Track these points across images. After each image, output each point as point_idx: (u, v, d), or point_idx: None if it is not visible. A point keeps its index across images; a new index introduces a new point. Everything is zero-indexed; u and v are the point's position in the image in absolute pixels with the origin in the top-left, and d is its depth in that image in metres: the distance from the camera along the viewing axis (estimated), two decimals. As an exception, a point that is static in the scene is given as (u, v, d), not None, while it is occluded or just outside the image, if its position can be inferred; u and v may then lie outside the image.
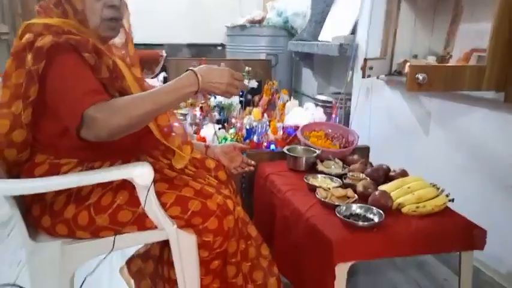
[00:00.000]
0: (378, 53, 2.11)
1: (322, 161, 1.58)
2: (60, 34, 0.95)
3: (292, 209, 1.28)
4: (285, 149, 1.62)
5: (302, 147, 1.65)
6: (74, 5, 1.02)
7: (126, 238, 1.08)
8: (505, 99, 1.35)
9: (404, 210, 1.18)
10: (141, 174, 1.00)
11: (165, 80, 4.19)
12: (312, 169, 1.55)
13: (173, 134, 1.14)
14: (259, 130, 1.81)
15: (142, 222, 1.07)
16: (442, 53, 1.95)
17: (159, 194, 1.06)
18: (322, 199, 1.23)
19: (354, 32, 2.58)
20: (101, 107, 0.90)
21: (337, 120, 2.42)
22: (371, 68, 1.85)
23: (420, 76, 1.30)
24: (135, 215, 1.06)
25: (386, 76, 2.03)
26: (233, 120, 2.19)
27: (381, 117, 2.20)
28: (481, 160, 1.54)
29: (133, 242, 1.12)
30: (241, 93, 2.79)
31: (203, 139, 1.79)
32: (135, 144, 1.13)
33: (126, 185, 1.05)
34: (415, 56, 2.05)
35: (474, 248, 1.15)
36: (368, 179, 1.35)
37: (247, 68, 3.05)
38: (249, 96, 2.98)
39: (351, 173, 1.40)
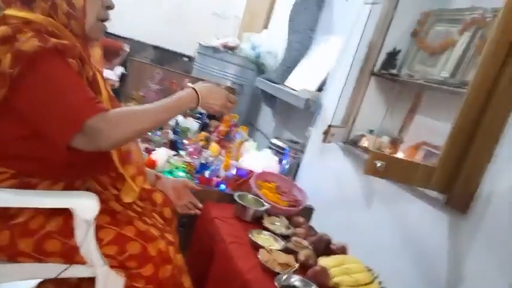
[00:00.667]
0: (339, 117, 2.20)
1: (269, 215, 1.58)
2: (42, 34, 0.86)
3: (232, 265, 1.25)
4: (235, 196, 1.60)
5: (252, 196, 1.65)
6: (72, 1, 0.94)
7: (47, 268, 0.98)
8: (446, 201, 1.46)
9: (339, 291, 1.21)
10: (85, 207, 0.92)
11: (123, 77, 4.02)
12: (258, 222, 1.54)
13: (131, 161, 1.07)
14: (214, 167, 1.78)
15: (70, 256, 0.98)
16: (396, 136, 2.09)
17: (97, 228, 0.98)
18: (264, 262, 1.22)
19: (320, 89, 2.69)
20: (105, 118, 0.86)
21: (287, 170, 2.46)
22: (333, 135, 1.93)
23: (379, 163, 1.37)
24: (64, 246, 0.97)
25: (343, 143, 2.12)
26: (185, 142, 2.14)
27: (329, 179, 2.27)
28: (413, 249, 1.64)
29: (54, 274, 1.02)
30: (199, 115, 2.75)
31: (153, 163, 1.71)
32: (84, 165, 1.05)
33: (62, 211, 0.96)
34: (372, 132, 2.17)
35: None
36: (310, 247, 1.37)
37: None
38: (207, 120, 2.95)
39: (294, 238, 1.41)
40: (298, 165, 2.62)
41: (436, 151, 1.90)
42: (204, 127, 2.73)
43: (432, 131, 1.90)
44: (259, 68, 3.72)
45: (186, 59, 4.93)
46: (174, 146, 1.96)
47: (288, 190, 1.80)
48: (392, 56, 2.12)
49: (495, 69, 1.36)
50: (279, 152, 2.71)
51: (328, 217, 1.84)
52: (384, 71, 2.10)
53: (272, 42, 3.68)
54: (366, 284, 1.24)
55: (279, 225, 1.55)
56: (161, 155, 1.73)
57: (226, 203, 1.66)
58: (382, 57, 2.12)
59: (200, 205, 1.40)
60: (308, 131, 2.45)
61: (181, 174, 1.72)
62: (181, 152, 1.98)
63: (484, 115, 1.39)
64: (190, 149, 2.03)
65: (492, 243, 1.31)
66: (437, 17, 1.98)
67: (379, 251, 1.77)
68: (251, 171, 1.89)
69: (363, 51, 2.18)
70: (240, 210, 1.56)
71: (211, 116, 3.03)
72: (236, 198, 1.58)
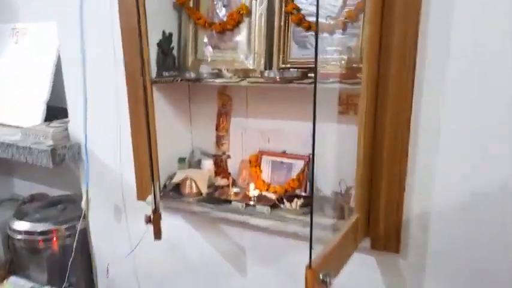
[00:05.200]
0: (114, 158, 1.36)
1: None
2: None
3: None
4: None
5: None
6: None
7: None
8: (372, 246, 1.06)
9: None
10: None
11: None
12: None
13: None
14: None
15: None
16: (216, 153, 1.48)
17: None
18: None
19: (53, 117, 1.66)
20: None
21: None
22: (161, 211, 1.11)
23: (324, 276, 0.78)
24: None
25: (160, 197, 1.33)
26: None
27: (158, 254, 1.48)
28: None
29: None
30: None
31: None
32: None
33: None
34: (183, 161, 1.47)
35: None
36: None
37: None
38: None
39: None
40: (82, 247, 1.65)
41: (282, 159, 1.43)
42: None
43: (260, 132, 1.40)
44: None
45: None
46: None
47: None
48: (165, 46, 1.37)
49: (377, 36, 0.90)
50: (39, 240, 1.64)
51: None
52: (166, 72, 1.35)
53: None
54: None
55: None
56: None
57: None
58: (154, 51, 1.34)
59: None
60: (88, 196, 1.48)
61: None
62: None
63: (384, 130, 0.97)
64: None
65: (442, 269, 1.03)
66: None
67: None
68: None
69: (118, 49, 1.32)
70: None
71: None
72: None
